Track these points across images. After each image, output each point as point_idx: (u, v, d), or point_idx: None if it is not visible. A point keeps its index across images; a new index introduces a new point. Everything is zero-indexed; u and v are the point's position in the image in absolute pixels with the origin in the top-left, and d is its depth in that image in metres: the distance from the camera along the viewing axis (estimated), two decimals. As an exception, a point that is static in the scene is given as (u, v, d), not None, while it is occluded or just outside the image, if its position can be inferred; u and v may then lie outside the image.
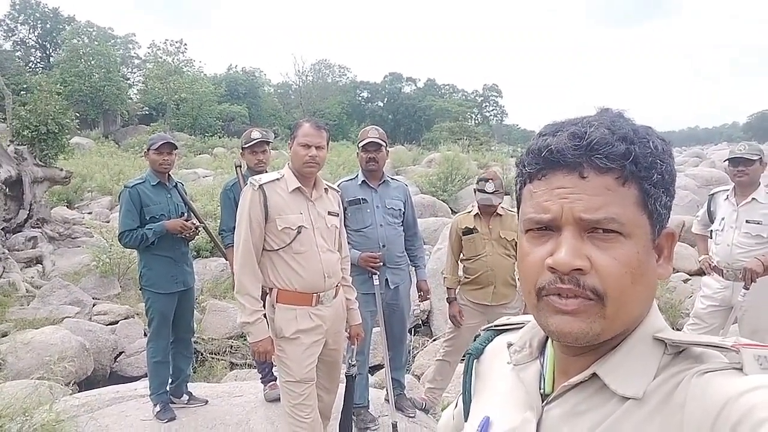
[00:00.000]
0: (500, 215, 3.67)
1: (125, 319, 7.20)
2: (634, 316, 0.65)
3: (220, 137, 32.19)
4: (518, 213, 0.72)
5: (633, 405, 0.61)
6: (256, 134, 3.77)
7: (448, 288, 3.83)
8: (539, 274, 0.65)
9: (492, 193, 3.57)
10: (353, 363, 2.88)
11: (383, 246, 3.48)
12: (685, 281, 9.13)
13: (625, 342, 0.65)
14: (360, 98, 60.78)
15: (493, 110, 70.30)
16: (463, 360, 0.89)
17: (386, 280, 3.53)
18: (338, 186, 3.13)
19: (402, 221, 3.65)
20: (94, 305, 7.52)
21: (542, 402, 0.70)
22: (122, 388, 4.31)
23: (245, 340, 7.23)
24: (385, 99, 62.37)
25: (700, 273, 9.58)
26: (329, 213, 2.70)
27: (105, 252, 8.47)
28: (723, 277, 3.57)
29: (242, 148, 3.82)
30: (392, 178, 3.73)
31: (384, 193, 3.58)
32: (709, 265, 3.68)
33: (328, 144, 2.66)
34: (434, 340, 6.84)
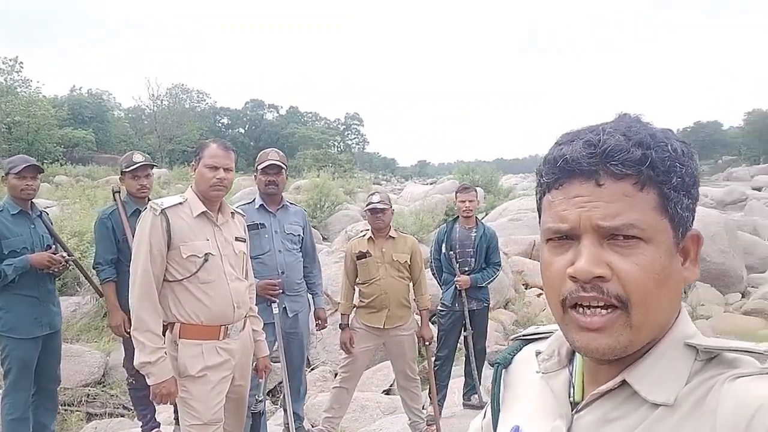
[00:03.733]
0: (393, 238, 3.73)
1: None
2: (661, 323, 0.64)
3: (61, 164, 29.30)
4: (540, 224, 0.72)
5: (664, 411, 0.61)
6: (138, 157, 3.47)
7: (341, 314, 3.79)
8: (562, 284, 0.65)
9: (379, 202, 3.62)
10: (260, 399, 2.72)
11: (282, 273, 3.37)
12: (539, 295, 9.94)
13: (654, 348, 0.65)
14: (220, 124, 59.17)
15: (355, 138, 72.10)
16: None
17: (284, 308, 3.40)
18: None
19: (300, 247, 3.56)
20: None
21: (572, 410, 0.70)
22: (-37, 455, 3.66)
23: (104, 386, 6.53)
24: (247, 125, 61.32)
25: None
26: (236, 239, 2.55)
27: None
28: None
29: (122, 173, 3.50)
30: (291, 203, 3.63)
31: (283, 217, 3.47)
32: None
33: (235, 166, 2.53)
34: (312, 369, 6.70)
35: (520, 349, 0.86)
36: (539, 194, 0.71)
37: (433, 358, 4.28)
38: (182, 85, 55.00)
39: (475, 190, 4.51)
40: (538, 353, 0.78)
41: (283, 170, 3.43)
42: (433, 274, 4.61)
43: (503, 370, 0.86)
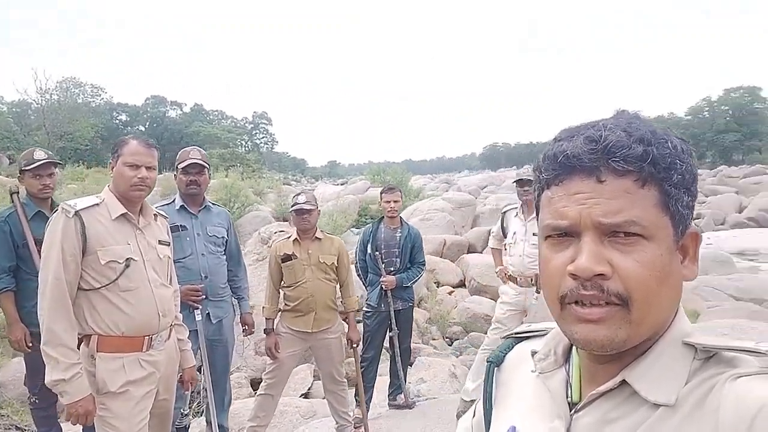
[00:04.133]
0: (319, 239, 3.65)
1: None
2: (660, 320, 0.64)
3: (-68, 163, 26.33)
4: (538, 220, 0.71)
5: (665, 411, 0.60)
6: (40, 154, 3.16)
7: (266, 318, 3.66)
8: (561, 282, 0.64)
9: (305, 202, 3.53)
10: (185, 412, 2.56)
11: (205, 277, 3.20)
12: (450, 293, 10.23)
13: (653, 347, 0.64)
14: (118, 121, 55.92)
15: (263, 138, 70.66)
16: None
17: (208, 314, 3.24)
18: None
19: (225, 250, 3.40)
20: None
21: (570, 411, 0.69)
22: None
23: (-6, 406, 5.94)
24: (147, 123, 58.39)
25: (462, 285, 10.90)
26: (160, 242, 2.37)
27: None
28: (517, 284, 4.04)
29: (21, 171, 3.17)
30: (213, 204, 3.45)
31: (205, 219, 3.30)
32: (505, 274, 4.16)
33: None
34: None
35: (512, 348, 0.85)
36: (538, 191, 0.71)
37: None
38: (74, 78, 51.31)
39: (400, 191, 4.52)
40: (533, 353, 0.77)
41: (206, 169, 3.27)
42: (359, 275, 4.57)
43: (495, 369, 0.84)
